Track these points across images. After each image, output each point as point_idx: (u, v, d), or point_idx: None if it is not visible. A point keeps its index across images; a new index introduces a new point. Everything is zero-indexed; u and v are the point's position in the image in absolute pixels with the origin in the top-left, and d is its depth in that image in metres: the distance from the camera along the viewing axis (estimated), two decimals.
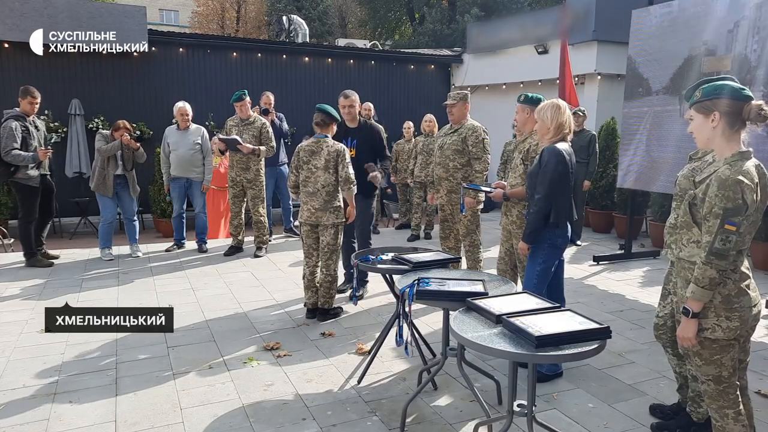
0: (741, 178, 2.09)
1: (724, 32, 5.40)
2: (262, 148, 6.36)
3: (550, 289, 3.48)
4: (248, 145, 6.21)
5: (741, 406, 2.36)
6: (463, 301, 2.56)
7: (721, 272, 2.16)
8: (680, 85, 5.80)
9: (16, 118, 5.73)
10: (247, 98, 6.36)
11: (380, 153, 5.10)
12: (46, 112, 8.45)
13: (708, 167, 2.32)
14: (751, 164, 2.16)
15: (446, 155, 4.66)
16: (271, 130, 6.54)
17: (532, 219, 3.31)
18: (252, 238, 6.74)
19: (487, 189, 4.10)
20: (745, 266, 2.26)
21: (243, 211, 6.68)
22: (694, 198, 2.28)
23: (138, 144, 6.20)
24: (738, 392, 2.37)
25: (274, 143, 6.54)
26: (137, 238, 6.58)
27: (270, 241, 7.04)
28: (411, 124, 8.40)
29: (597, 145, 7.54)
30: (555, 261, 3.45)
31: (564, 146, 3.29)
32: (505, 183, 3.97)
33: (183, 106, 6.50)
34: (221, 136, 6.29)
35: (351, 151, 4.95)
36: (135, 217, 6.56)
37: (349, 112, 4.95)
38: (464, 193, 4.59)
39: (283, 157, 7.53)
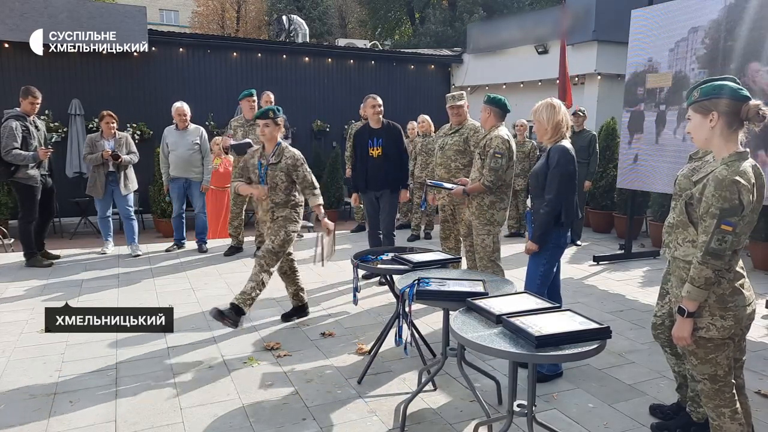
0: (738, 178, 2.10)
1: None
2: None
3: (548, 289, 3.48)
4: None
5: (737, 405, 2.36)
6: (463, 301, 2.56)
7: (717, 272, 2.16)
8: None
9: (17, 117, 5.74)
10: (255, 96, 6.38)
11: (403, 152, 5.39)
12: (46, 112, 8.46)
13: (706, 167, 2.32)
14: (747, 164, 2.16)
15: (448, 156, 4.67)
16: None
17: (543, 219, 3.27)
18: (250, 238, 6.74)
19: (449, 186, 4.32)
20: (740, 266, 2.26)
21: (243, 212, 6.68)
22: (690, 197, 2.28)
23: (120, 158, 6.20)
24: (734, 391, 2.37)
25: None
26: (135, 237, 6.57)
27: None
28: (415, 124, 8.38)
29: (597, 145, 7.54)
30: (557, 261, 3.46)
31: (568, 144, 3.31)
32: (467, 179, 4.14)
33: (181, 107, 6.51)
34: (233, 142, 6.18)
35: (378, 149, 5.26)
36: (131, 216, 6.54)
37: (380, 112, 5.31)
38: (427, 190, 4.81)
39: None
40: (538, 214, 3.33)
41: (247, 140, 6.19)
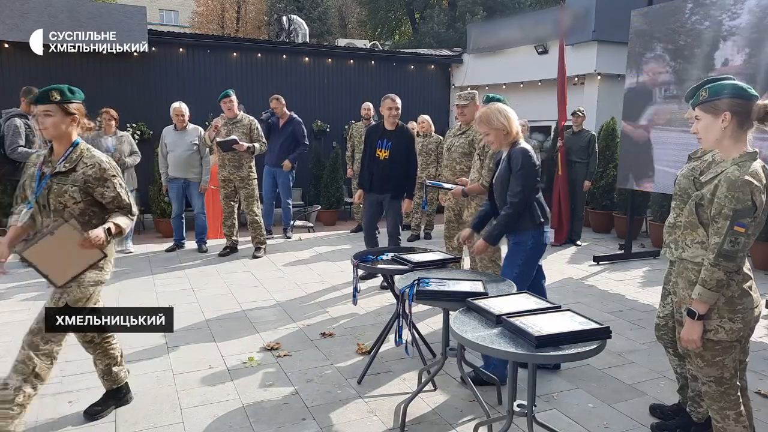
0: (750, 179, 2.07)
1: None
2: (256, 145, 6.38)
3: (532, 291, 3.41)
4: (244, 143, 6.23)
5: (742, 407, 2.35)
6: (463, 301, 2.56)
7: (728, 274, 2.15)
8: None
9: (20, 116, 5.74)
10: (233, 96, 6.36)
11: (412, 159, 5.19)
12: None
13: (713, 167, 2.28)
14: (758, 165, 2.14)
15: (453, 158, 4.65)
16: (259, 127, 6.57)
17: (503, 221, 3.22)
18: (246, 238, 6.75)
19: (449, 186, 4.31)
20: (747, 267, 2.25)
21: (235, 211, 6.70)
22: (701, 198, 2.24)
23: (125, 165, 6.32)
24: (738, 393, 2.37)
25: (265, 140, 6.60)
26: (130, 235, 6.68)
27: (269, 240, 7.05)
28: (415, 124, 8.36)
29: (597, 145, 7.54)
30: (536, 264, 3.39)
31: (527, 144, 3.29)
32: (467, 180, 4.14)
33: (178, 107, 6.52)
34: (219, 139, 6.20)
35: (385, 152, 5.04)
36: None
37: (397, 115, 5.10)
38: (427, 190, 4.75)
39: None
40: (498, 216, 3.28)
41: (233, 137, 6.19)
